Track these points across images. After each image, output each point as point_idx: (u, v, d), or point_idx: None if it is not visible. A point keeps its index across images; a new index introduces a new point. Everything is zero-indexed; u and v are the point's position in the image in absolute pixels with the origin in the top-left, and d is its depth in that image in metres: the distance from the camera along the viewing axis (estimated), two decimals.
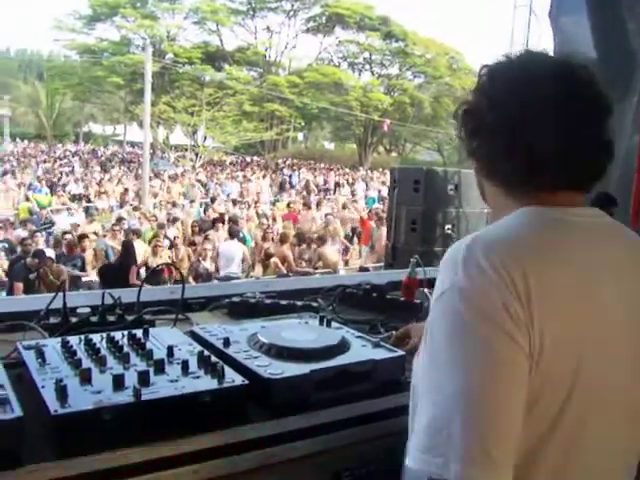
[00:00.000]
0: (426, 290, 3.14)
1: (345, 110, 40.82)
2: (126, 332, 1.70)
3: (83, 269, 11.05)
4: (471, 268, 1.13)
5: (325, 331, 1.83)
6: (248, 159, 44.48)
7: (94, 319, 2.10)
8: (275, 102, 40.28)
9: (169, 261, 10.92)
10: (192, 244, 12.29)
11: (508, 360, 1.08)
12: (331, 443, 1.51)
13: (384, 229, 13.20)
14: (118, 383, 1.35)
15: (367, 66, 47.24)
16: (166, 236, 12.54)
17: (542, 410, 1.13)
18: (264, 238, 12.47)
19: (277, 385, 1.47)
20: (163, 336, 1.70)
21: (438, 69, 43.13)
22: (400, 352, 1.71)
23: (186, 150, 37.95)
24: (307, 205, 17.14)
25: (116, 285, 9.74)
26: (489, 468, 1.05)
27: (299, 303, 2.65)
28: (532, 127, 1.21)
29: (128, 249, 10.75)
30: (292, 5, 43.71)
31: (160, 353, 1.56)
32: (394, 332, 2.42)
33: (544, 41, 10.40)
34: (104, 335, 1.66)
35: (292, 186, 28.15)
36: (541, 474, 1.16)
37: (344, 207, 18.64)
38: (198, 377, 1.44)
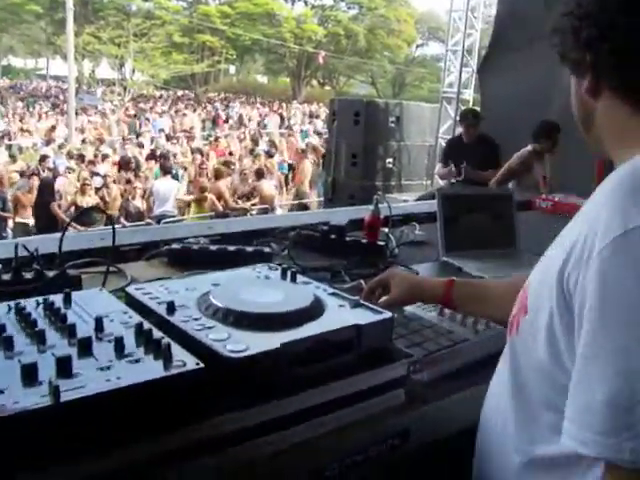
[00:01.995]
0: (386, 230, 2.84)
1: (278, 42, 39.82)
2: (41, 299, 1.32)
3: (4, 210, 10.46)
4: None
5: (292, 288, 1.49)
6: (179, 93, 43.06)
7: (6, 277, 1.73)
8: (206, 33, 38.91)
9: (99, 200, 10.41)
10: (128, 182, 11.73)
11: None
12: (313, 432, 1.21)
13: (307, 162, 13.14)
14: (29, 376, 0.99)
15: None
16: (96, 173, 11.91)
17: None
18: (199, 174, 11.97)
19: (241, 366, 1.13)
20: (90, 302, 1.33)
21: (373, 0, 42.24)
22: (387, 313, 1.39)
23: (114, 84, 36.49)
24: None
25: (43, 225, 9.32)
26: None
27: (249, 249, 2.32)
28: None
29: (44, 188, 10.26)
30: None
31: (86, 327, 1.19)
32: (362, 281, 2.12)
33: None
34: (12, 305, 1.28)
35: (226, 121, 27.35)
36: None
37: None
38: (137, 361, 1.08)
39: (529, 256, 2.63)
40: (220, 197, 10.59)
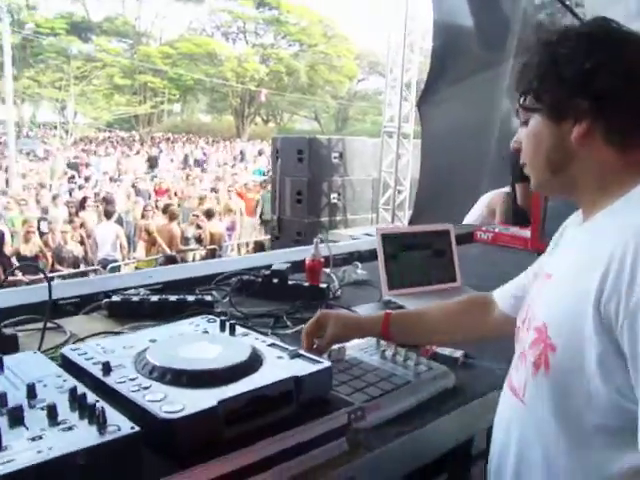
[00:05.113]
0: (328, 270, 2.85)
1: (220, 81, 40.01)
2: None
3: None
4: None
5: (230, 342, 1.48)
6: (123, 134, 42.81)
7: None
8: (148, 74, 38.91)
9: (42, 247, 10.17)
10: (82, 226, 11.51)
11: None
12: None
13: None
14: None
15: (241, 35, 46.47)
16: (43, 218, 11.72)
17: None
18: (143, 216, 11.82)
19: (178, 427, 1.11)
20: (23, 367, 1.30)
21: (313, 37, 42.89)
22: (325, 362, 1.39)
23: (55, 128, 36.10)
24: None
25: None
26: None
27: (190, 298, 2.31)
28: None
29: None
30: None
31: (18, 395, 1.16)
32: (304, 326, 2.13)
33: (423, 10, 10.30)
34: None
35: (171, 161, 27.22)
36: None
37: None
38: (71, 428, 1.05)
39: (469, 290, 2.68)
40: (172, 238, 10.49)
